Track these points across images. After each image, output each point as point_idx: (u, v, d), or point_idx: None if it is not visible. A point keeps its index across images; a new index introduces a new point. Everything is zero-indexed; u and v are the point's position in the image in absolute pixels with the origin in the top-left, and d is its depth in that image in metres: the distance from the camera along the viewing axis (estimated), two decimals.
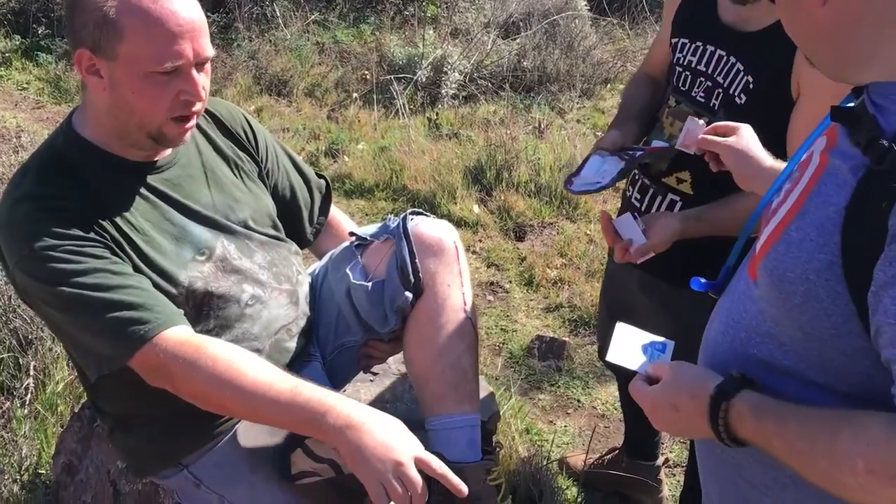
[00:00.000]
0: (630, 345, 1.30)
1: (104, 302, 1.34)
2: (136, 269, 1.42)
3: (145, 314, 1.35)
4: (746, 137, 1.43)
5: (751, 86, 1.63)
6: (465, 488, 1.36)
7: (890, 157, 0.85)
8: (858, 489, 0.86)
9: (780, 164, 1.39)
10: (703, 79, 1.73)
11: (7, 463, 2.25)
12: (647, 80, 1.99)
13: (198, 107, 1.42)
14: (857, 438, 0.85)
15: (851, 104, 1.00)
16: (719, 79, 1.69)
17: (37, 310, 1.47)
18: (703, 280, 1.27)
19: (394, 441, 1.32)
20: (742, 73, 1.65)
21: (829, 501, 0.96)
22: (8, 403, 2.45)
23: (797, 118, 1.60)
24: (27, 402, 2.45)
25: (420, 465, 1.33)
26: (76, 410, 2.17)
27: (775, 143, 1.60)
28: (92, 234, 1.38)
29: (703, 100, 1.73)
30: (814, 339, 0.94)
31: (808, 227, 0.93)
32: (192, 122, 1.45)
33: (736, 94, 1.66)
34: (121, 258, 1.40)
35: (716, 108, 1.70)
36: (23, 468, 2.24)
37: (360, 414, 1.34)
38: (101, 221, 1.40)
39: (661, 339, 1.32)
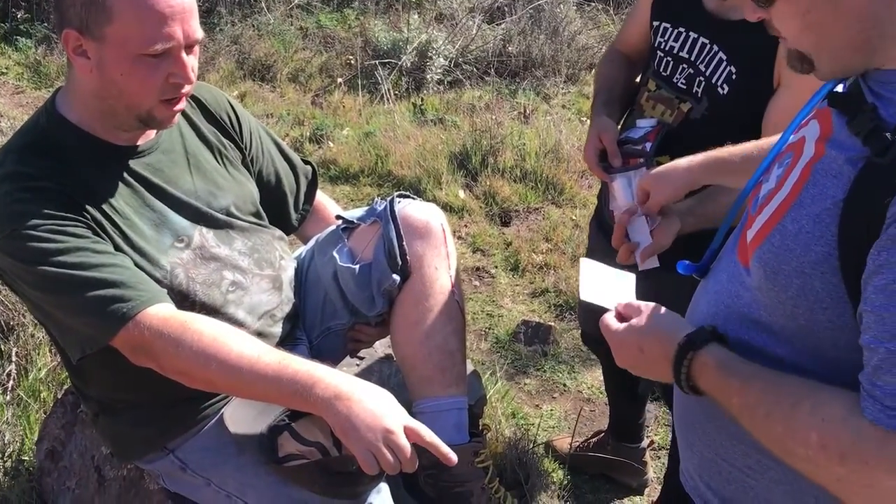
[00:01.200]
0: (598, 281, 1.31)
1: (86, 280, 1.32)
2: (119, 249, 1.40)
3: (128, 292, 1.33)
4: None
5: (734, 76, 1.63)
6: (454, 457, 1.35)
7: (893, 150, 0.84)
8: (806, 460, 0.88)
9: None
10: (685, 66, 1.73)
11: None
12: (623, 60, 1.98)
13: (187, 89, 1.40)
14: (815, 412, 0.87)
15: (840, 88, 1.00)
16: (701, 67, 1.68)
17: (17, 291, 1.46)
18: (687, 263, 1.27)
19: (382, 410, 1.31)
20: (725, 63, 1.64)
21: (808, 482, 0.97)
22: None
23: (773, 108, 1.60)
24: (9, 389, 2.43)
25: (409, 434, 1.32)
26: (59, 397, 2.15)
27: (755, 133, 1.60)
28: (73, 214, 1.36)
29: (684, 86, 1.73)
30: (808, 331, 0.94)
31: (804, 219, 0.92)
32: (182, 105, 1.43)
33: (718, 83, 1.65)
34: (102, 238, 1.38)
35: (699, 95, 1.70)
36: (5, 455, 2.22)
37: (349, 385, 1.33)
38: (82, 203, 1.38)
39: (625, 272, 1.34)
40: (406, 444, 1.30)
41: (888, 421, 0.83)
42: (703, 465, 1.15)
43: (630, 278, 1.32)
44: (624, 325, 1.12)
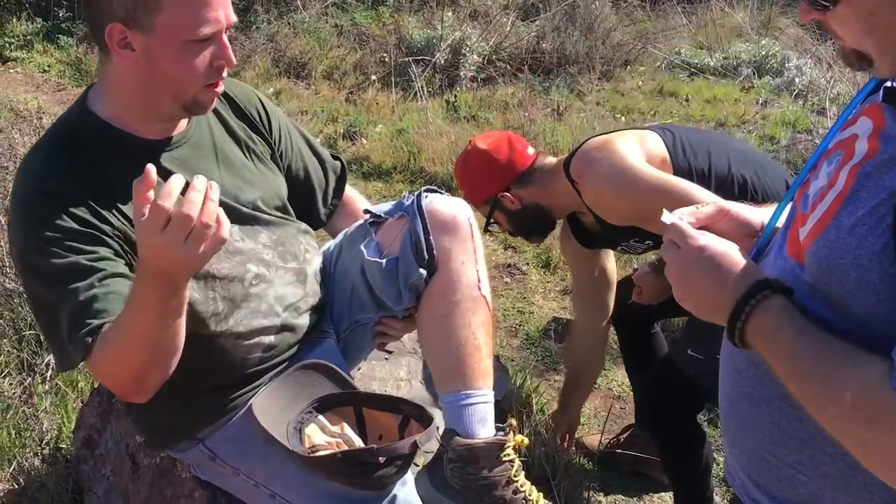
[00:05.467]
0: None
1: (65, 298, 1.36)
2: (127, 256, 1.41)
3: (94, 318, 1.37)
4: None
5: None
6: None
7: None
8: (837, 419, 0.91)
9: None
10: None
11: (29, 437, 2.29)
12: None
13: (227, 72, 1.44)
14: (853, 374, 0.89)
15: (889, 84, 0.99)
16: None
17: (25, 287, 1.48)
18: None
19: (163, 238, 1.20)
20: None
21: (864, 476, 0.97)
22: (30, 379, 2.49)
23: None
24: (48, 378, 2.49)
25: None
26: (96, 386, 2.20)
27: None
28: (82, 224, 1.37)
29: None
30: (866, 326, 0.94)
31: (860, 212, 0.92)
32: (221, 87, 1.46)
33: None
34: (106, 246, 1.39)
35: None
36: (44, 442, 2.28)
37: (155, 260, 1.21)
38: (99, 208, 1.39)
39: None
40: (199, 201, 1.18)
41: None
42: (751, 463, 1.14)
43: None
44: (710, 236, 1.09)
